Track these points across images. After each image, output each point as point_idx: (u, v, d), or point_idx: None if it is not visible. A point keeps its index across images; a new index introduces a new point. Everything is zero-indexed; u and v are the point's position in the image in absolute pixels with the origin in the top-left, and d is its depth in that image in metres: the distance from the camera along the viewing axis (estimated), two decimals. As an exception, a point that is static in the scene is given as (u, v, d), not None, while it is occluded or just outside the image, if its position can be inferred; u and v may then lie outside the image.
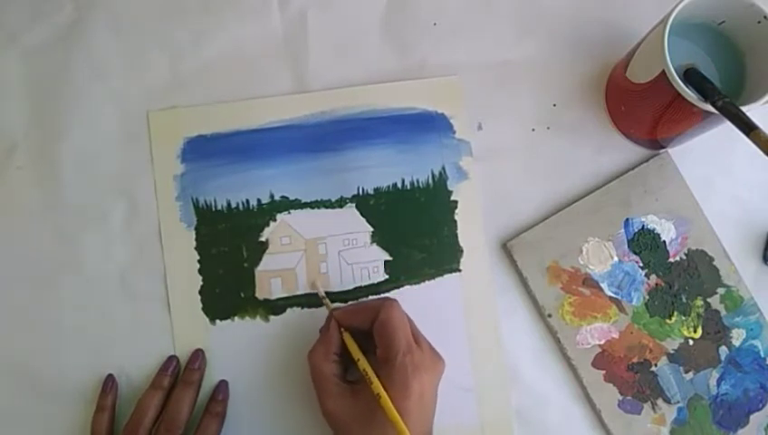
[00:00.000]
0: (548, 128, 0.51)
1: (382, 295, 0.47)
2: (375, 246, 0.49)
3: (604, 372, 0.47)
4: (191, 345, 0.47)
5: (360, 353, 0.42)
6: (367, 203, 0.49)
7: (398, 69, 0.51)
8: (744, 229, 0.50)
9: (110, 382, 0.46)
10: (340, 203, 0.49)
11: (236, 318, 0.48)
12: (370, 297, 0.48)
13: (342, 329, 0.43)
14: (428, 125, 0.50)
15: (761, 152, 0.37)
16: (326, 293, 0.48)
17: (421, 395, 0.39)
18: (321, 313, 0.48)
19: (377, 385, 0.39)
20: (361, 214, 0.49)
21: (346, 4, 0.52)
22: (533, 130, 0.51)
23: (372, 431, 0.39)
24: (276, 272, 0.48)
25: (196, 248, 0.48)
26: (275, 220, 0.49)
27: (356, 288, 0.48)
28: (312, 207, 0.49)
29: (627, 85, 0.46)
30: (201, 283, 0.48)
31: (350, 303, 0.48)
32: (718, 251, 0.49)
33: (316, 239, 0.49)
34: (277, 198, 0.49)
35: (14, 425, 0.46)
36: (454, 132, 0.50)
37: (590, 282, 0.48)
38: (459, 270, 0.49)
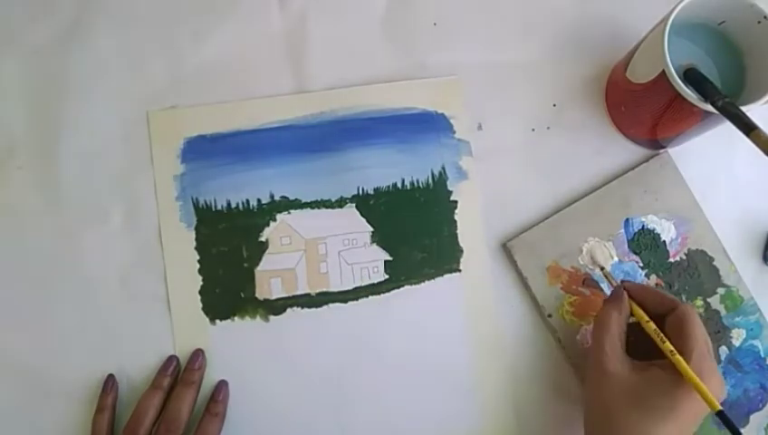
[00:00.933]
0: (548, 128, 0.51)
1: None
2: (375, 246, 0.49)
3: (604, 372, 0.47)
4: (191, 345, 0.47)
5: (648, 318, 0.41)
6: (367, 203, 0.49)
7: (398, 69, 0.51)
8: (744, 229, 0.50)
9: (110, 382, 0.46)
10: (340, 203, 0.49)
11: (236, 318, 0.48)
12: (384, 293, 0.48)
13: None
14: (428, 125, 0.50)
15: (761, 152, 0.37)
16: (325, 292, 0.48)
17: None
18: (322, 313, 0.48)
19: (669, 344, 0.38)
20: (361, 214, 0.49)
21: (346, 4, 0.52)
22: (533, 130, 0.51)
23: (638, 413, 0.37)
24: (276, 272, 0.48)
25: (196, 248, 0.48)
26: (275, 220, 0.49)
27: (356, 288, 0.48)
28: (312, 207, 0.49)
29: (627, 85, 0.46)
30: (201, 283, 0.48)
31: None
32: (718, 251, 0.49)
33: (316, 239, 0.49)
34: (277, 198, 0.49)
35: (14, 425, 0.46)
36: (454, 132, 0.50)
37: (589, 282, 0.48)
38: (459, 270, 0.49)
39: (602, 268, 0.47)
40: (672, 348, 0.38)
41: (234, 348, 0.47)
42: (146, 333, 0.47)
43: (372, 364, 0.48)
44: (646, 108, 0.45)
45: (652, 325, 0.40)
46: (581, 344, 0.48)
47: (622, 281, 0.44)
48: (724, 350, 0.48)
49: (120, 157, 0.49)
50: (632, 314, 0.43)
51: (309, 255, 0.48)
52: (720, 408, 0.36)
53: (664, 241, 0.49)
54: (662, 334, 0.39)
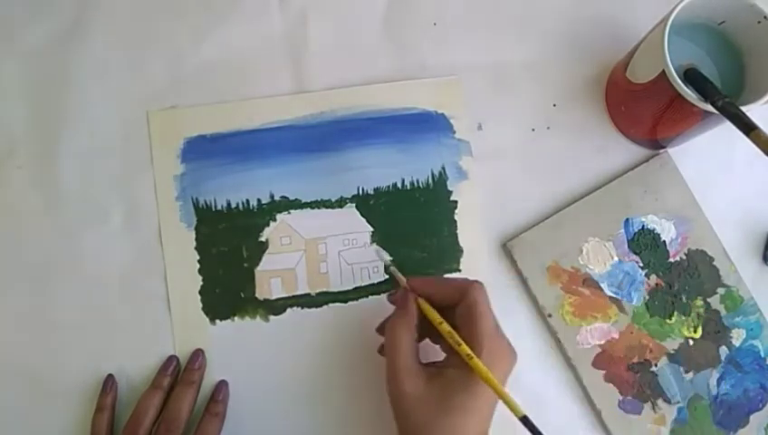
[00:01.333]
0: (548, 128, 0.51)
1: (465, 278, 0.42)
2: (375, 247, 0.49)
3: (604, 372, 0.47)
4: (191, 345, 0.47)
5: (441, 318, 0.39)
6: (367, 203, 0.49)
7: (398, 69, 0.51)
8: (744, 229, 0.50)
9: (110, 382, 0.46)
10: (340, 203, 0.49)
11: (236, 318, 0.48)
12: (384, 293, 0.48)
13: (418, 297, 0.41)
14: (428, 125, 0.50)
15: (761, 152, 0.37)
16: (325, 292, 0.48)
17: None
18: (322, 313, 0.48)
19: (465, 347, 0.37)
20: (361, 214, 0.49)
21: (346, 4, 0.52)
22: (533, 130, 0.51)
23: (445, 419, 0.37)
24: (276, 272, 0.48)
25: (196, 248, 0.48)
26: (275, 220, 0.49)
27: (356, 288, 0.48)
28: (312, 207, 0.49)
29: (627, 85, 0.46)
30: (201, 283, 0.48)
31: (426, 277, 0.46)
32: (718, 251, 0.49)
33: (316, 239, 0.49)
34: (277, 198, 0.49)
35: (14, 425, 0.46)
36: (454, 132, 0.50)
37: (590, 282, 0.48)
38: (459, 270, 0.49)
39: (388, 266, 0.44)
40: (469, 351, 0.37)
41: (234, 348, 0.47)
42: (146, 333, 0.47)
43: (372, 364, 0.47)
44: (646, 108, 0.45)
45: (446, 327, 0.38)
46: (581, 344, 0.48)
47: (409, 280, 0.42)
48: (724, 350, 0.48)
49: (120, 157, 0.49)
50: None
51: (309, 255, 0.48)
52: (524, 413, 0.35)
53: (664, 241, 0.49)
54: (456, 336, 0.38)
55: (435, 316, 0.39)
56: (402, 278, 0.42)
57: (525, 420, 0.35)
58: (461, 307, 0.39)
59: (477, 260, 0.49)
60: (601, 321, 0.48)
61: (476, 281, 0.40)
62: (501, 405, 0.47)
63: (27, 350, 0.47)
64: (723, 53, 0.44)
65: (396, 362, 0.39)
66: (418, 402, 0.38)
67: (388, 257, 0.46)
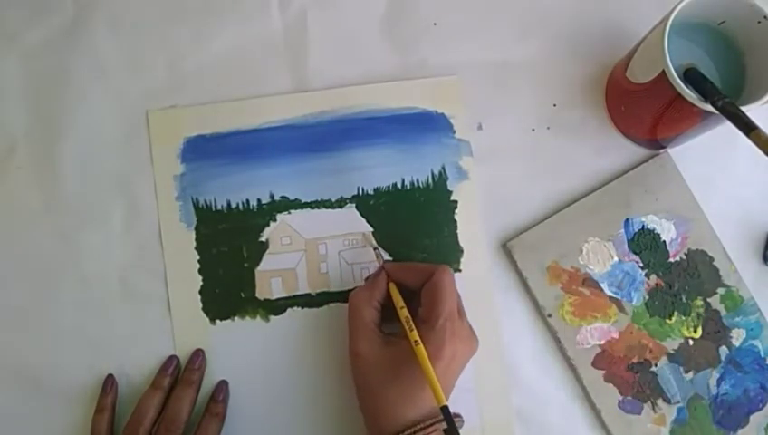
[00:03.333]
0: (548, 128, 0.51)
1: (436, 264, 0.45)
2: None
3: (604, 372, 0.47)
4: (191, 345, 0.47)
5: (404, 303, 0.42)
6: (367, 203, 0.49)
7: (398, 69, 0.51)
8: (744, 229, 0.50)
9: (110, 382, 0.46)
10: (340, 203, 0.49)
11: (236, 318, 0.48)
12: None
13: (389, 280, 0.44)
14: (428, 125, 0.50)
15: (761, 152, 0.37)
16: (325, 292, 0.48)
17: (450, 362, 0.40)
18: (322, 313, 0.48)
19: (415, 333, 0.39)
20: (361, 214, 0.49)
21: (346, 4, 0.52)
22: (533, 130, 0.51)
23: (394, 386, 0.40)
24: (276, 272, 0.48)
25: (196, 248, 0.48)
26: (275, 220, 0.49)
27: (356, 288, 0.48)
28: (312, 207, 0.49)
29: (627, 85, 0.46)
30: (201, 283, 0.48)
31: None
32: (718, 251, 0.49)
33: (316, 239, 0.49)
34: (277, 198, 0.49)
35: (14, 425, 0.46)
36: (454, 132, 0.50)
37: (590, 282, 0.48)
38: (459, 270, 0.49)
39: (375, 248, 0.48)
40: (417, 338, 0.39)
41: (234, 348, 0.47)
42: (146, 333, 0.47)
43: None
44: (646, 108, 0.45)
45: (404, 313, 0.41)
46: (581, 344, 0.48)
47: (384, 262, 0.46)
48: (724, 350, 0.48)
49: (120, 157, 0.49)
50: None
51: (309, 255, 0.48)
52: (445, 404, 0.37)
53: (664, 241, 0.49)
54: (411, 322, 0.40)
55: (398, 300, 0.43)
56: (381, 259, 0.46)
57: (444, 410, 0.36)
58: (426, 287, 0.42)
59: (477, 260, 0.49)
60: (601, 321, 0.48)
61: (444, 265, 0.43)
62: (499, 406, 0.47)
63: (27, 350, 0.47)
64: (723, 53, 0.44)
65: (353, 323, 0.42)
66: (372, 365, 0.41)
67: (374, 243, 0.48)
